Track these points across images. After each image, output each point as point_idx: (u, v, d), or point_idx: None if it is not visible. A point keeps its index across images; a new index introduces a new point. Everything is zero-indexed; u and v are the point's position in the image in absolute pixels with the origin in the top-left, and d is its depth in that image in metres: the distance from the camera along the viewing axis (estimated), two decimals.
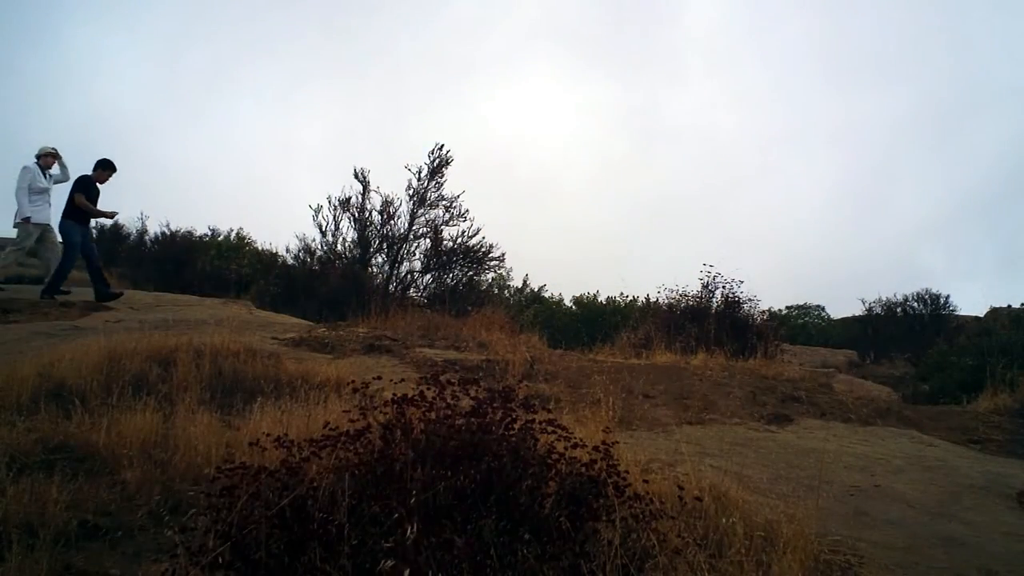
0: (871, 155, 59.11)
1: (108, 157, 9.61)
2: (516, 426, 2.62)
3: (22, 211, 9.25)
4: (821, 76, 63.48)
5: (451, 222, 12.78)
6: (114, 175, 9.63)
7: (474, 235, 12.89)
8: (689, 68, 64.05)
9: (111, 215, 10.14)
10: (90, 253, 9.53)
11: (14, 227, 9.57)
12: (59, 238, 9.56)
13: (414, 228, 12.61)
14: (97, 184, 9.49)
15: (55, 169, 9.58)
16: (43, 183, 9.35)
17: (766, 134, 64.11)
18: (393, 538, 2.10)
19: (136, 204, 34.03)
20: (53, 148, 9.59)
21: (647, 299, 15.82)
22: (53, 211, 9.48)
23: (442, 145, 12.77)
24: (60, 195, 9.52)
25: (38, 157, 9.48)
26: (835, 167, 60.20)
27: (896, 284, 54.90)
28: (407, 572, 2.00)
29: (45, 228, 9.45)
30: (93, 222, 10.43)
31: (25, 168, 9.32)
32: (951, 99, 58.27)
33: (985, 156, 55.89)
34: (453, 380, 2.91)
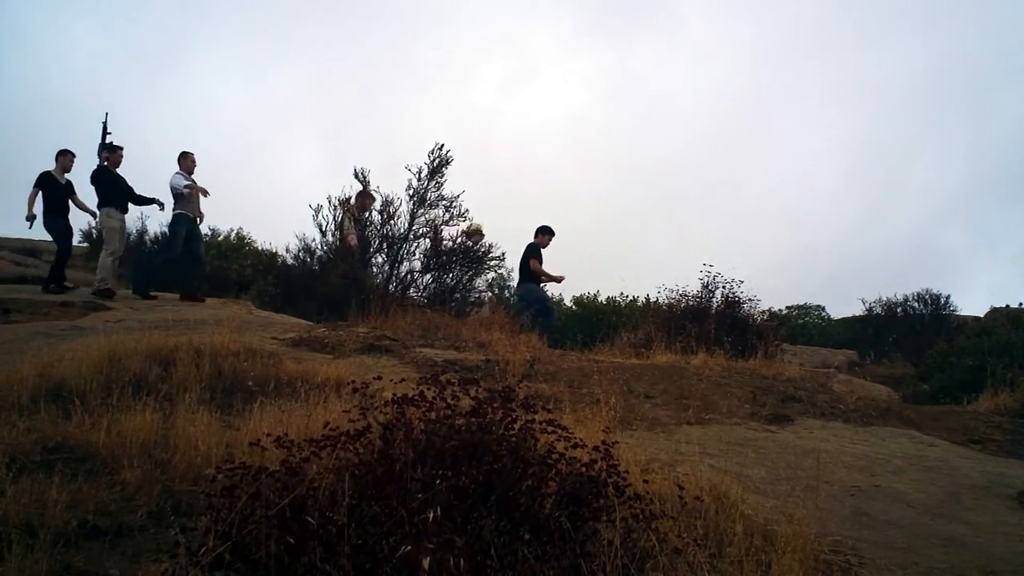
0: (879, 135, 57.30)
1: (547, 224, 10.83)
2: (516, 426, 2.62)
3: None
4: (823, 41, 61.48)
5: (451, 222, 12.76)
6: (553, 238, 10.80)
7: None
8: (684, 36, 62.79)
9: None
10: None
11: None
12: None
13: (414, 228, 12.58)
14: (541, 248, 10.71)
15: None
16: None
17: (765, 107, 62.46)
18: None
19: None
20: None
21: (647, 299, 15.84)
22: None
23: (442, 145, 12.68)
24: None
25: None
26: (842, 148, 58.42)
27: (904, 277, 53.54)
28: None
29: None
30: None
31: None
32: (972, 68, 55.40)
33: (1003, 134, 53.71)
34: (453, 380, 2.91)
